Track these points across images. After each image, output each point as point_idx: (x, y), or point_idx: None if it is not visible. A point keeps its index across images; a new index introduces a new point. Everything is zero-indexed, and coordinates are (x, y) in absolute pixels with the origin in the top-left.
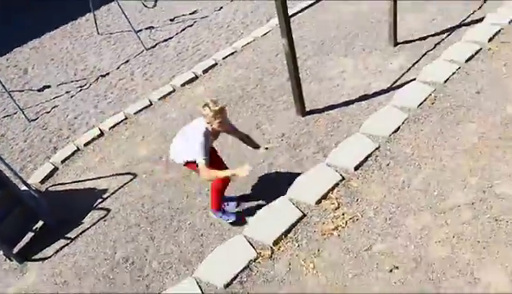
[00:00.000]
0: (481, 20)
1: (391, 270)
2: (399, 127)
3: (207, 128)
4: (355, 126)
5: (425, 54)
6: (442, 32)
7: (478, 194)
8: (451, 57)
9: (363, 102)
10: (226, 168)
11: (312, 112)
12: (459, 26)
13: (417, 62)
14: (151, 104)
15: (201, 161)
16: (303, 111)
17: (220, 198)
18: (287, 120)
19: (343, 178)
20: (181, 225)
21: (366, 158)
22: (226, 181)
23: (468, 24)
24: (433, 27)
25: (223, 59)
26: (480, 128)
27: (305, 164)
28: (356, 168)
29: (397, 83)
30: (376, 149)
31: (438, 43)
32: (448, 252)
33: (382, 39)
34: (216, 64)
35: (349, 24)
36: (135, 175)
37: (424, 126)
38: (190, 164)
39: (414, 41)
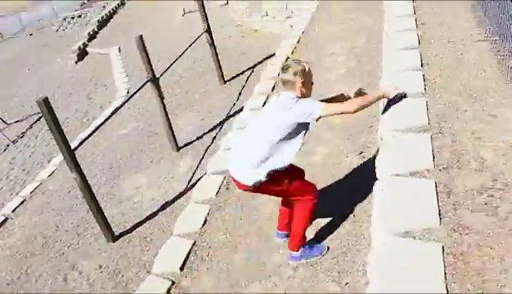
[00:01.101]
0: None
1: None
2: (206, 219)
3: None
4: (167, 232)
5: (206, 150)
6: (214, 127)
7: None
8: (230, 145)
9: (167, 209)
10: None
11: (122, 235)
12: (226, 119)
13: (202, 158)
14: None
15: (317, 111)
16: (112, 237)
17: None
18: (99, 250)
19: (173, 282)
20: None
21: (188, 256)
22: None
23: (233, 116)
24: (205, 125)
25: (13, 211)
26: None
27: (131, 286)
28: (181, 268)
29: (192, 182)
30: (193, 244)
31: (214, 138)
32: None
33: (165, 148)
34: (6, 219)
35: (131, 142)
36: None
37: (228, 210)
38: (270, 183)
39: (193, 142)
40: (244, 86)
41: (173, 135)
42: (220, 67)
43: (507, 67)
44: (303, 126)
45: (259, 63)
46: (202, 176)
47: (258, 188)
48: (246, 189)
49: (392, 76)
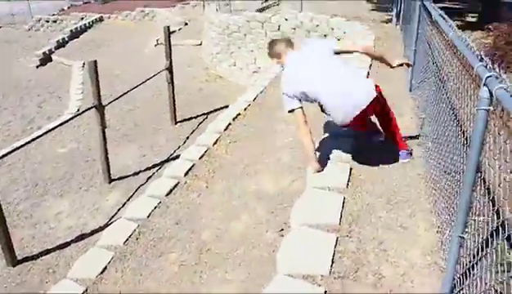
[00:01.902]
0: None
1: None
2: (106, 267)
3: None
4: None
5: (138, 188)
6: (153, 166)
7: None
8: (153, 193)
9: (80, 243)
10: None
11: (25, 260)
12: (167, 160)
13: (131, 196)
14: None
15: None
16: (13, 261)
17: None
18: None
19: None
20: None
21: None
22: None
23: (174, 159)
24: (145, 162)
25: None
26: (180, 257)
27: None
28: None
29: (114, 219)
30: (83, 292)
31: (150, 177)
32: None
33: (98, 177)
34: None
35: (66, 163)
36: None
37: (130, 263)
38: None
39: (128, 176)
40: (193, 130)
41: (108, 166)
42: (174, 107)
43: (431, 176)
44: None
45: (215, 110)
46: (117, 219)
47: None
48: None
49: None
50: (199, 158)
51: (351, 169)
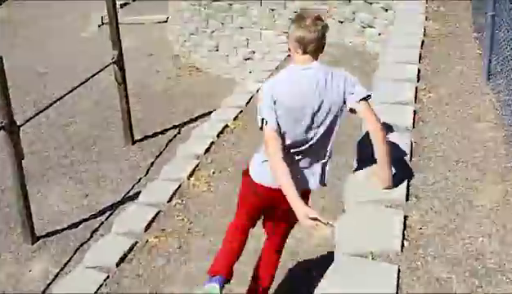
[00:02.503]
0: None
1: None
2: None
3: None
4: None
5: (77, 250)
6: (100, 212)
7: None
8: (98, 260)
9: None
10: None
11: None
12: (121, 202)
13: (67, 264)
14: None
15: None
16: None
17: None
18: None
19: None
20: None
21: None
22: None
23: (132, 199)
24: (87, 207)
25: None
26: None
27: None
28: None
29: None
30: None
31: (95, 231)
32: None
33: (14, 235)
34: None
35: None
36: None
37: None
38: None
39: (61, 231)
40: (160, 152)
41: (29, 218)
42: (129, 118)
43: None
44: None
45: (190, 121)
46: None
47: None
48: None
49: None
50: (168, 201)
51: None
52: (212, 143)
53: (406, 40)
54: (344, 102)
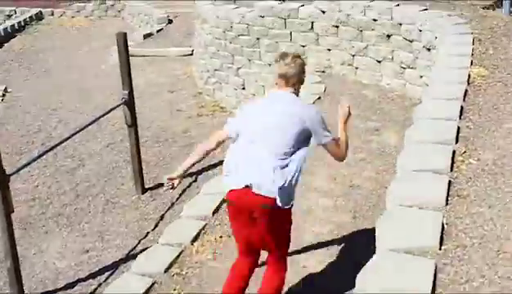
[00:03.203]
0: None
1: None
2: None
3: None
4: None
5: None
6: (103, 269)
7: None
8: None
9: None
10: None
11: None
12: (126, 259)
13: None
14: None
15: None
16: None
17: None
18: None
19: None
20: None
21: None
22: None
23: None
24: (89, 262)
25: None
26: None
27: None
28: None
29: None
30: None
31: (95, 290)
32: None
33: None
34: None
35: None
36: None
37: None
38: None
39: (59, 290)
40: (172, 204)
41: (19, 281)
42: (140, 165)
43: None
44: None
45: (209, 168)
46: None
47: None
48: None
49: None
50: (166, 271)
51: None
52: (223, 202)
53: (447, 90)
54: None
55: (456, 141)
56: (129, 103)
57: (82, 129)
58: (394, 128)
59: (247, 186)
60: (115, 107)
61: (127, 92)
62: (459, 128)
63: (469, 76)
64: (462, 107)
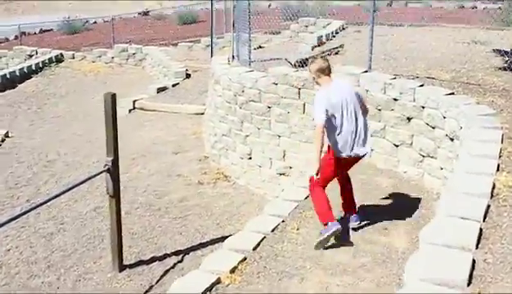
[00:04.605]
0: None
1: None
2: None
3: None
4: None
5: None
6: None
7: None
8: None
9: None
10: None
11: None
12: None
13: None
14: None
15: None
16: None
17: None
18: None
19: None
20: None
21: None
22: None
23: None
24: None
25: None
26: None
27: None
28: None
29: None
30: None
31: None
32: None
33: None
34: None
35: None
36: None
37: None
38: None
39: None
40: (150, 286)
41: None
42: (119, 239)
43: None
44: None
45: (201, 246)
46: None
47: None
48: None
49: None
50: None
51: None
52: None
53: (464, 205)
54: None
55: (469, 283)
56: (113, 171)
57: (68, 190)
58: (405, 227)
59: None
60: (97, 174)
61: (110, 159)
62: (474, 262)
63: (494, 186)
64: (481, 230)
